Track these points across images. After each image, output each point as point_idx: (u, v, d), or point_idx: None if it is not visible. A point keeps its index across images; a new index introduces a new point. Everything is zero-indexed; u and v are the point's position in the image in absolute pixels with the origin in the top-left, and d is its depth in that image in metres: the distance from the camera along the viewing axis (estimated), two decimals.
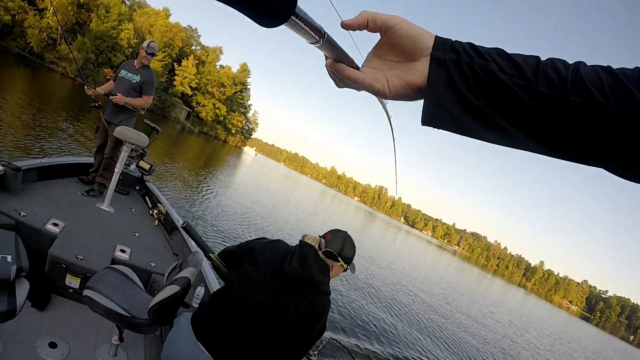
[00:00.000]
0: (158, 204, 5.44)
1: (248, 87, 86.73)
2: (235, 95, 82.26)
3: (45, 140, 10.96)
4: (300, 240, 2.20)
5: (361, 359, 6.60)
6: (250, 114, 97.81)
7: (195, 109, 75.21)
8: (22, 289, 2.26)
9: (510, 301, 47.41)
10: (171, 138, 33.54)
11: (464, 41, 0.61)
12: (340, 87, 0.70)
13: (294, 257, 2.05)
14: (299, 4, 0.42)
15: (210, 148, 51.34)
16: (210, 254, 2.51)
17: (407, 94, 0.64)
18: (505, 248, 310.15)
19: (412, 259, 34.08)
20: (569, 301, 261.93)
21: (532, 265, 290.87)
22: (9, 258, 2.27)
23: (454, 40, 0.62)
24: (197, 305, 3.40)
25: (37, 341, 2.78)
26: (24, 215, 3.50)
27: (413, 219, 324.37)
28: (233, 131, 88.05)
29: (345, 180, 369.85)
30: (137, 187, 6.17)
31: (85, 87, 5.18)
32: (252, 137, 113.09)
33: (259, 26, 0.44)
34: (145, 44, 5.33)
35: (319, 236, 2.26)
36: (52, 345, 2.81)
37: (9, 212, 3.43)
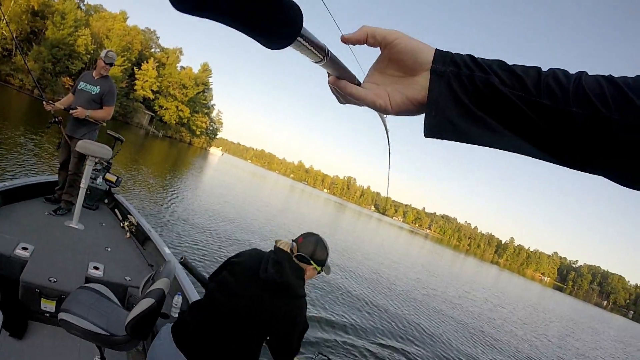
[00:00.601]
0: (128, 216, 5.41)
1: (210, 86, 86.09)
2: (198, 96, 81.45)
3: (4, 159, 10.67)
4: (274, 246, 2.27)
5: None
6: (214, 114, 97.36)
7: (158, 112, 74.02)
8: None
9: (485, 279, 48.17)
10: (135, 145, 33.06)
11: (464, 53, 0.61)
12: (342, 103, 0.70)
13: (269, 263, 2.13)
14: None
15: (175, 151, 50.72)
16: (209, 284, 2.48)
17: (409, 110, 0.64)
18: (475, 228, 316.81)
19: (385, 247, 34.24)
20: (542, 273, 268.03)
21: (503, 242, 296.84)
22: None
23: (454, 53, 0.61)
24: (176, 315, 3.45)
25: None
26: None
27: (383, 206, 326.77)
28: (198, 132, 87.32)
29: (313, 173, 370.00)
30: (106, 201, 6.11)
31: (44, 102, 5.07)
32: (218, 137, 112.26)
33: (264, 47, 0.45)
34: (103, 54, 5.20)
35: (292, 240, 2.33)
36: None
37: None
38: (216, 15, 0.36)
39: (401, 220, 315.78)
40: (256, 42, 0.42)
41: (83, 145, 4.72)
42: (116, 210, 5.86)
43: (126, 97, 62.68)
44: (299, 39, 0.46)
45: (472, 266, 72.31)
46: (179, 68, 78.35)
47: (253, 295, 2.07)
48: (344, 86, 0.64)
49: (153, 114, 72.74)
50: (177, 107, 76.21)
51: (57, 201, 5.24)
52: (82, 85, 5.27)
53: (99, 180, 6.03)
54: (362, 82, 0.68)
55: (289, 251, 2.25)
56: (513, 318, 20.41)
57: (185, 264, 2.80)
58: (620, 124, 0.50)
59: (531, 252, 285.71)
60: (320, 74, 0.66)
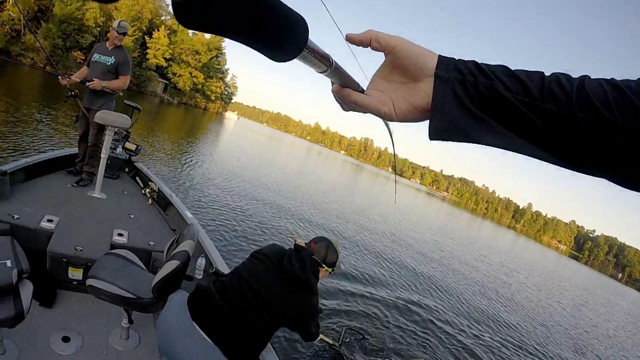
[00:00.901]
0: (149, 183, 5.47)
1: (223, 51, 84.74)
2: (211, 62, 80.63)
3: (26, 136, 10.74)
4: (294, 244, 2.44)
5: (375, 335, 6.59)
6: (228, 79, 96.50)
7: (172, 80, 73.53)
8: (26, 291, 2.33)
9: (501, 243, 48.03)
10: (151, 113, 32.96)
11: (467, 59, 0.61)
12: (346, 110, 0.71)
13: (292, 257, 2.29)
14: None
15: (191, 117, 50.56)
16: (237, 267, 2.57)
17: (413, 116, 0.64)
18: (493, 192, 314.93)
19: (402, 208, 34.17)
20: (558, 241, 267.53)
21: (520, 207, 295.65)
22: (9, 263, 2.30)
23: (457, 59, 0.61)
24: (200, 277, 3.54)
25: (50, 338, 2.84)
26: (17, 218, 3.51)
27: (401, 167, 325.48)
28: (213, 98, 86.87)
29: (330, 135, 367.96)
30: (127, 169, 6.18)
31: (59, 77, 5.03)
32: (233, 101, 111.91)
33: (272, 61, 0.46)
34: (115, 24, 5.18)
35: (304, 244, 2.50)
36: (65, 339, 2.88)
37: (1, 217, 3.44)
38: (224, 33, 0.37)
39: (418, 182, 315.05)
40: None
41: (101, 116, 4.77)
42: (137, 178, 5.94)
43: (139, 67, 62.01)
44: (305, 51, 0.46)
45: (489, 230, 72.34)
46: (190, 34, 77.00)
47: (277, 285, 2.20)
48: (347, 94, 0.65)
49: (167, 82, 72.35)
50: (190, 73, 75.71)
51: (78, 173, 5.29)
52: (96, 57, 5.25)
53: (119, 149, 6.07)
54: (365, 89, 0.68)
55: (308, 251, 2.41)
56: (528, 283, 20.46)
57: (217, 274, 3.03)
58: (623, 127, 0.50)
59: (548, 219, 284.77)
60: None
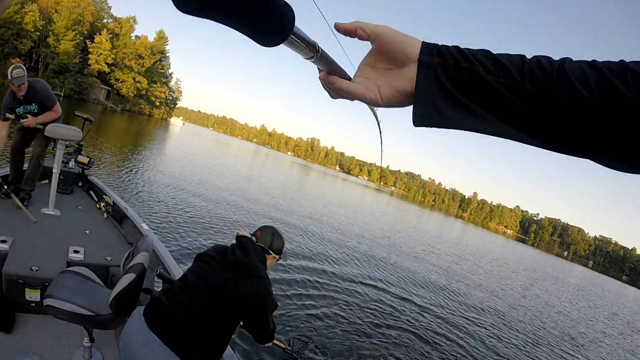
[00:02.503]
0: (104, 196, 5.43)
1: (167, 54, 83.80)
2: (155, 66, 79.38)
3: None
4: (236, 236, 2.44)
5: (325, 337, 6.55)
6: (172, 83, 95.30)
7: (115, 86, 71.89)
8: None
9: (450, 232, 48.97)
10: (95, 122, 31.57)
11: (450, 45, 0.62)
12: (334, 97, 0.72)
13: (235, 249, 2.31)
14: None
15: (136, 125, 49.54)
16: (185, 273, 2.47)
17: (398, 101, 0.65)
18: (439, 184, 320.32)
19: (351, 206, 34.53)
20: (505, 226, 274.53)
21: (466, 197, 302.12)
22: None
23: (440, 45, 0.62)
24: (159, 289, 3.63)
25: None
26: None
27: (348, 166, 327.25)
28: (157, 103, 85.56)
29: (276, 136, 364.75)
30: (80, 184, 6.08)
31: None
32: (178, 106, 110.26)
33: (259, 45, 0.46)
34: (9, 75, 4.56)
35: (250, 234, 2.51)
36: None
37: None
38: (216, 17, 0.39)
39: (366, 179, 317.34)
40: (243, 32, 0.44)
41: (52, 129, 4.61)
42: (91, 192, 5.85)
43: (80, 73, 60.33)
44: (291, 36, 0.47)
45: (438, 221, 73.86)
46: (133, 38, 75.72)
47: (224, 278, 2.19)
48: (334, 81, 0.66)
49: (110, 88, 70.69)
50: (134, 78, 74.19)
51: (8, 195, 4.69)
52: (20, 110, 4.87)
53: (71, 163, 6.00)
54: (352, 77, 0.69)
55: (251, 238, 2.43)
56: (478, 270, 20.94)
57: (161, 275, 2.82)
58: (602, 107, 0.50)
59: (494, 206, 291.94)
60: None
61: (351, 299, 8.62)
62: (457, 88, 0.59)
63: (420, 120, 0.63)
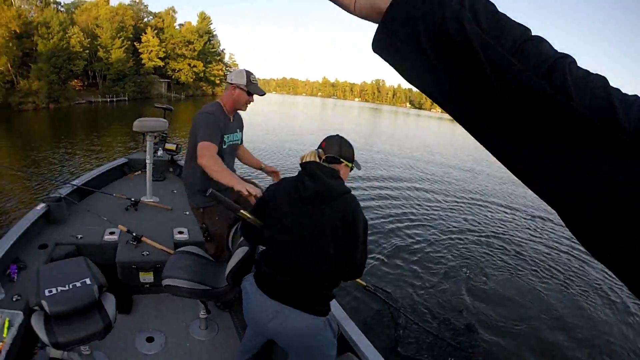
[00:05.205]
0: None
1: (214, 33, 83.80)
2: (206, 47, 79.86)
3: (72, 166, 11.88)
4: (300, 164, 2.22)
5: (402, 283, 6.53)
6: (226, 59, 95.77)
7: (173, 76, 73.69)
8: (109, 303, 2.42)
9: None
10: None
11: None
12: None
13: (304, 180, 2.09)
14: None
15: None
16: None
17: (370, 15, 0.57)
18: None
19: (427, 142, 33.99)
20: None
21: None
22: (88, 280, 2.37)
23: None
24: None
25: (135, 341, 3.03)
26: (81, 237, 3.72)
27: (419, 100, 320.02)
28: (217, 82, 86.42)
29: (340, 85, 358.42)
30: (171, 169, 6.40)
31: None
32: None
33: None
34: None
35: (315, 149, 2.30)
36: (149, 339, 3.08)
37: (67, 241, 3.64)
38: None
39: (440, 111, 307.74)
40: None
41: (140, 124, 4.74)
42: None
43: (137, 74, 62.15)
44: None
45: None
46: (177, 27, 76.58)
47: (307, 215, 2.06)
48: None
49: (169, 80, 72.53)
50: (189, 64, 75.41)
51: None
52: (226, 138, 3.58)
53: (160, 152, 6.29)
54: None
55: (315, 159, 2.20)
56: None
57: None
58: (578, 104, 0.42)
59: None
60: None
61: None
62: (428, 27, 0.49)
63: (375, 45, 0.58)
